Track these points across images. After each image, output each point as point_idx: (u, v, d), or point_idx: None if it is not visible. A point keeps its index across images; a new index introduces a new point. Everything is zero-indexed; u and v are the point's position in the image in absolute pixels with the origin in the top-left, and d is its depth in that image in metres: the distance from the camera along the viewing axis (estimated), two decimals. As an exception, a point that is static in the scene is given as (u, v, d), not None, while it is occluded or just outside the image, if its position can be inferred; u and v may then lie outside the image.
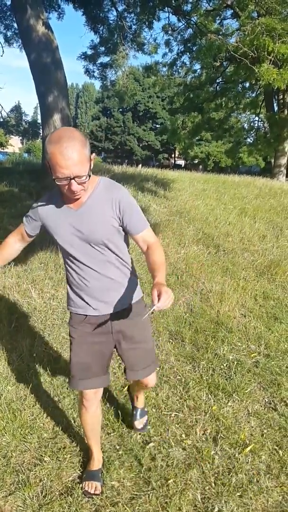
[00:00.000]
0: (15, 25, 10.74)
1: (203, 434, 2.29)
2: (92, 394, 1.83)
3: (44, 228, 1.74)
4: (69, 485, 1.96)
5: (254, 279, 4.61)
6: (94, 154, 1.56)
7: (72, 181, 1.46)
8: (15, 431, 2.24)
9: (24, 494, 1.87)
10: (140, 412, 2.28)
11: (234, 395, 2.62)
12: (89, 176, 1.51)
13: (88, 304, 1.76)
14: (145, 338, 1.87)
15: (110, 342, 1.82)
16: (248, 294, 4.17)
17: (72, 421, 2.37)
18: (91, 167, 1.53)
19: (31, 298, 3.83)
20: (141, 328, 1.84)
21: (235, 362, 2.98)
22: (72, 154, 1.42)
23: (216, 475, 2.02)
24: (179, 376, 2.82)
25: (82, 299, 1.77)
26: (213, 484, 1.96)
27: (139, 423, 2.26)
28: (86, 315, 1.78)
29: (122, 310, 1.78)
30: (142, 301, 1.89)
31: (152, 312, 1.45)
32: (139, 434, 2.27)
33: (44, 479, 1.97)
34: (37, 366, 2.88)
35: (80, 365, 1.79)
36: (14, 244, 1.86)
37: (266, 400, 2.62)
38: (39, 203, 1.71)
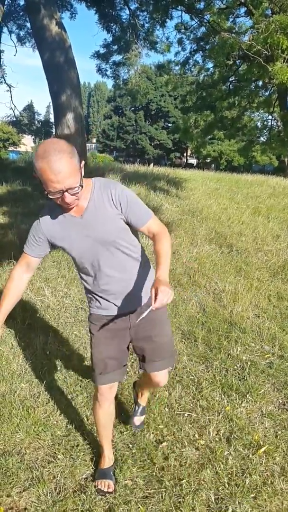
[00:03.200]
0: (28, 24, 10.84)
1: (216, 435, 2.28)
2: (108, 389, 1.83)
3: (52, 244, 1.70)
4: (82, 483, 1.97)
5: (268, 279, 4.57)
6: (83, 162, 1.54)
7: (66, 193, 1.45)
8: (28, 428, 2.26)
9: (38, 491, 1.89)
10: (141, 410, 2.29)
11: (247, 395, 2.60)
12: (81, 186, 1.49)
13: (109, 305, 1.78)
14: (162, 332, 1.86)
15: (127, 336, 1.83)
16: (261, 295, 4.13)
17: (85, 419, 2.38)
18: (82, 176, 1.51)
19: (44, 296, 3.86)
20: (158, 322, 1.84)
21: (249, 363, 2.96)
22: (61, 167, 1.39)
23: (229, 475, 2.01)
24: (192, 376, 2.81)
25: (103, 302, 1.78)
26: (226, 485, 1.95)
27: (138, 419, 2.28)
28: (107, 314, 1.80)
29: (142, 306, 1.80)
30: None
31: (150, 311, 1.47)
32: (152, 433, 2.27)
33: (57, 476, 1.98)
34: (50, 363, 2.90)
35: (102, 361, 1.80)
36: (21, 277, 1.75)
37: (280, 401, 2.60)
38: (40, 222, 1.67)
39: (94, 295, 1.79)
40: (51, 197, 1.48)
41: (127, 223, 1.67)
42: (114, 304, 1.77)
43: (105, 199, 1.60)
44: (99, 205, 1.60)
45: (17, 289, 1.76)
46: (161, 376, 1.91)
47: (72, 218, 1.62)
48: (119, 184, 1.67)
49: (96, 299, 1.80)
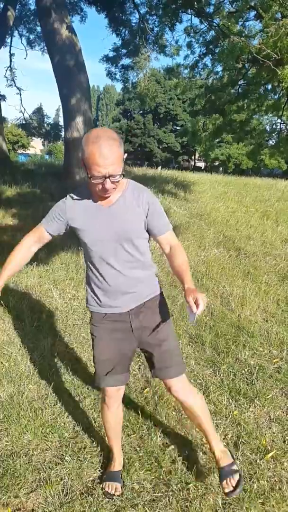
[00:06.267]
0: (38, 28, 10.95)
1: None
2: (115, 391, 1.84)
3: (70, 227, 1.74)
4: (90, 485, 1.97)
5: (277, 283, 4.55)
6: (126, 154, 1.61)
7: (107, 179, 1.52)
8: (36, 429, 2.27)
9: (45, 492, 1.89)
10: (224, 473, 1.84)
11: (255, 400, 2.59)
12: (123, 175, 1.56)
13: (108, 303, 1.78)
14: (169, 337, 1.84)
15: (131, 339, 1.82)
16: (270, 299, 4.11)
17: (93, 421, 2.38)
18: (124, 167, 1.57)
19: (53, 298, 3.88)
20: (165, 327, 1.83)
21: (257, 367, 2.94)
22: (109, 154, 1.48)
23: (237, 480, 1.99)
24: (200, 380, 2.81)
25: (103, 299, 1.78)
26: (234, 490, 1.94)
27: (226, 485, 1.81)
28: (106, 313, 1.80)
29: (141, 306, 1.80)
30: (160, 297, 1.87)
31: (195, 320, 1.53)
32: (159, 436, 2.26)
33: (65, 478, 1.99)
34: (58, 365, 2.91)
35: (103, 363, 1.81)
36: (30, 247, 1.84)
37: (288, 406, 2.58)
38: (66, 201, 1.73)
39: (93, 289, 1.80)
40: (93, 181, 1.54)
41: (147, 230, 1.75)
42: (108, 302, 1.78)
43: (135, 198, 1.70)
44: (128, 202, 1.69)
45: (24, 259, 1.86)
46: (175, 383, 1.81)
47: (99, 207, 1.69)
48: (150, 191, 1.77)
49: (95, 294, 1.80)
